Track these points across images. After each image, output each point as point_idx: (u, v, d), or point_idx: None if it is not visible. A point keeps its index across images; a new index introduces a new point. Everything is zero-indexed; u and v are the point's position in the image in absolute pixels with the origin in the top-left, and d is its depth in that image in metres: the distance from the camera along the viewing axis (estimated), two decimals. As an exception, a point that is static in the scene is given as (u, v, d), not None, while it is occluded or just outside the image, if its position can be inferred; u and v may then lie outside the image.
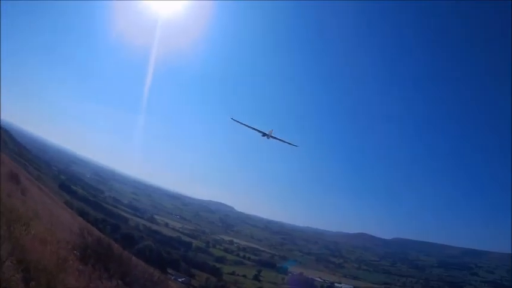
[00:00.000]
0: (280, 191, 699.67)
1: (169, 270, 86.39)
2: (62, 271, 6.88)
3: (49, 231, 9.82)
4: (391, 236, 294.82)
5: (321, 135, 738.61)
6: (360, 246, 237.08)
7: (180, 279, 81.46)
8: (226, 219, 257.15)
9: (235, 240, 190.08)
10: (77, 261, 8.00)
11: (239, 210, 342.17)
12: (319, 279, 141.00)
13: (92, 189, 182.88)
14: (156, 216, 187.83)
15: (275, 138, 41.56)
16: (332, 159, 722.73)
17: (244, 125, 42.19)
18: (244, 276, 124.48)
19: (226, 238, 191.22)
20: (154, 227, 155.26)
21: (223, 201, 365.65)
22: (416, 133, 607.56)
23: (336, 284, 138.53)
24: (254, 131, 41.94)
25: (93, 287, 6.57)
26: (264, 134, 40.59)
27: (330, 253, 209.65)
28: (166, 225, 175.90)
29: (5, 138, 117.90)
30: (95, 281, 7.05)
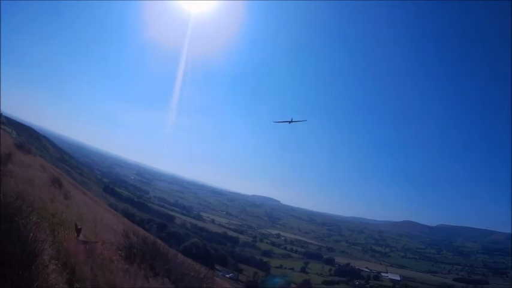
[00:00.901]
0: (325, 182, 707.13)
1: (217, 266, 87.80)
2: (107, 272, 6.98)
3: (93, 234, 10.07)
4: (436, 222, 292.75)
5: (362, 126, 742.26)
6: (406, 234, 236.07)
7: (227, 275, 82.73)
8: (273, 213, 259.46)
9: (282, 233, 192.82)
10: (122, 261, 8.13)
11: (285, 204, 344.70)
12: (366, 270, 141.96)
13: (136, 190, 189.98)
14: (202, 213, 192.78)
15: (295, 121, 48.71)
16: (375, 149, 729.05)
17: (282, 122, 49.06)
18: (292, 269, 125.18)
19: (273, 232, 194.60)
20: (201, 224, 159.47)
21: (269, 195, 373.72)
22: (460, 118, 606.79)
23: (382, 274, 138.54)
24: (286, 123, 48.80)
25: (139, 287, 6.57)
26: (291, 121, 47.07)
27: (376, 242, 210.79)
28: (213, 221, 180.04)
29: (46, 145, 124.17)
30: (141, 279, 7.11)
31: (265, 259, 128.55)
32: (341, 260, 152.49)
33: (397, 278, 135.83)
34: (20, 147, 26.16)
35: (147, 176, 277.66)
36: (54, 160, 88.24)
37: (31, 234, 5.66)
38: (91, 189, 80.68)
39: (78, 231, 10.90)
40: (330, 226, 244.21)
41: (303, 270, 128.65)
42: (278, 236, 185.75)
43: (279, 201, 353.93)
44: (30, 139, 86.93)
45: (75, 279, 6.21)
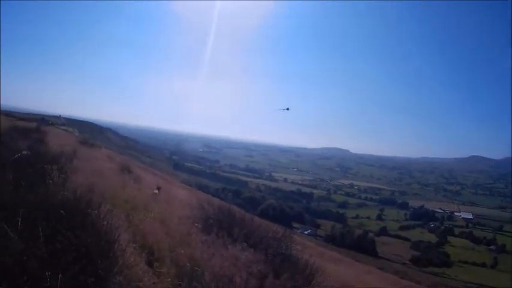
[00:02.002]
0: (391, 124, 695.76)
1: (295, 225, 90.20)
2: (185, 246, 7.25)
3: (168, 211, 10.47)
4: (502, 156, 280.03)
5: (423, 61, 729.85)
6: (474, 170, 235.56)
7: (306, 232, 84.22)
8: (343, 163, 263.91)
9: (354, 182, 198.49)
10: (199, 234, 8.40)
11: (354, 152, 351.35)
12: (440, 210, 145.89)
13: (206, 162, 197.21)
14: (274, 174, 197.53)
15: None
16: (438, 84, 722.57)
17: (281, 109, 51.10)
18: (368, 217, 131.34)
19: (346, 182, 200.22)
20: (274, 184, 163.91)
21: (337, 146, 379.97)
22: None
23: (455, 213, 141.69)
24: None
25: (219, 255, 6.77)
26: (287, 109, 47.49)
27: (447, 181, 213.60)
28: (285, 180, 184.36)
29: (110, 136, 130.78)
30: (220, 248, 7.32)
31: (341, 211, 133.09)
32: (415, 203, 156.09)
33: (470, 216, 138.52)
34: (83, 143, 27.71)
35: (215, 146, 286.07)
36: (120, 149, 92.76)
37: (105, 222, 5.93)
38: (162, 169, 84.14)
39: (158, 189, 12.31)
40: (400, 169, 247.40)
41: (379, 217, 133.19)
42: (351, 185, 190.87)
43: (348, 151, 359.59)
44: (93, 134, 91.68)
45: (154, 259, 6.50)
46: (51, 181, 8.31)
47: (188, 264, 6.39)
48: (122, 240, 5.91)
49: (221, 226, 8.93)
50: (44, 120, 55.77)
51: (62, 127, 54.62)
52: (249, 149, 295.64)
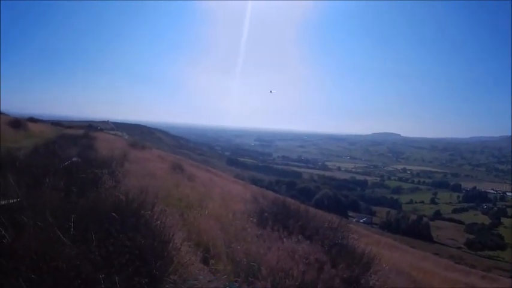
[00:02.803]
0: (439, 105, 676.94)
1: (350, 213, 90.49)
2: (241, 241, 7.24)
3: (223, 207, 10.55)
4: None
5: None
6: None
7: (361, 220, 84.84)
8: (395, 148, 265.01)
9: (407, 167, 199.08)
10: (254, 228, 8.37)
11: (405, 136, 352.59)
12: (492, 191, 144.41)
13: (259, 155, 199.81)
14: (327, 163, 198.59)
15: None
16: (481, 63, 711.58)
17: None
18: (422, 202, 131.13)
19: (399, 167, 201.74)
20: (328, 173, 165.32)
21: (388, 131, 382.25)
22: None
23: (507, 193, 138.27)
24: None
25: (275, 248, 6.71)
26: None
27: (498, 160, 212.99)
28: (339, 169, 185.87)
29: (161, 136, 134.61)
30: (276, 241, 7.24)
31: (395, 197, 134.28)
32: (467, 185, 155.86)
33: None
34: (134, 145, 28.47)
35: (266, 139, 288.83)
36: (172, 148, 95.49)
37: (158, 222, 6.01)
38: (215, 165, 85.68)
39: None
40: (451, 151, 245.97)
41: (433, 201, 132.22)
42: (404, 170, 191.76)
43: (399, 135, 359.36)
44: (143, 136, 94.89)
45: (210, 256, 6.52)
46: (102, 185, 8.58)
47: (244, 260, 6.37)
48: (176, 239, 5.95)
49: (276, 219, 8.84)
50: (92, 127, 58.03)
51: (111, 132, 56.62)
52: (301, 139, 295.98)
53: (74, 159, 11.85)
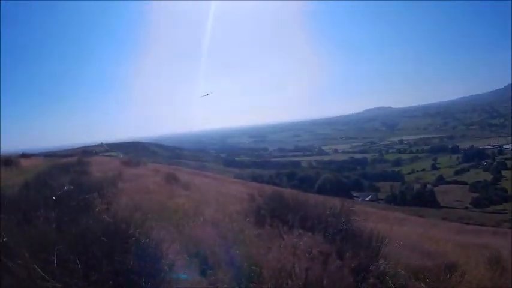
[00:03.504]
0: (425, 70, 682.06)
1: (354, 194, 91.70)
2: (240, 245, 7.00)
3: (219, 212, 10.32)
4: None
5: None
6: None
7: (366, 198, 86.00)
8: (388, 121, 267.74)
9: (403, 138, 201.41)
10: (252, 228, 8.14)
11: (397, 107, 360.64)
12: (489, 147, 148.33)
13: (255, 151, 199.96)
14: (323, 147, 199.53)
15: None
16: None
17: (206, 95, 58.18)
18: (423, 170, 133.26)
19: (395, 139, 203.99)
20: (326, 157, 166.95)
21: (379, 105, 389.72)
22: None
23: (504, 147, 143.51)
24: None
25: (276, 247, 6.46)
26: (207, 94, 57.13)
27: (489, 116, 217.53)
28: (336, 151, 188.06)
29: (155, 150, 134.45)
30: (276, 239, 6.98)
31: (396, 169, 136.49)
32: (464, 145, 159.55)
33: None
34: (127, 164, 28.19)
35: (260, 134, 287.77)
36: (168, 159, 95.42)
37: (147, 240, 5.79)
38: (212, 169, 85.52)
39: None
40: (444, 114, 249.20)
41: (434, 167, 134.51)
42: (401, 142, 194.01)
43: (390, 107, 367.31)
44: (138, 152, 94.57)
45: (209, 266, 6.28)
46: (93, 210, 8.35)
47: (245, 264, 6.11)
48: (170, 254, 5.74)
49: (274, 215, 8.57)
50: (87, 152, 57.75)
51: (106, 154, 56.44)
52: (294, 129, 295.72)
53: (66, 187, 11.58)
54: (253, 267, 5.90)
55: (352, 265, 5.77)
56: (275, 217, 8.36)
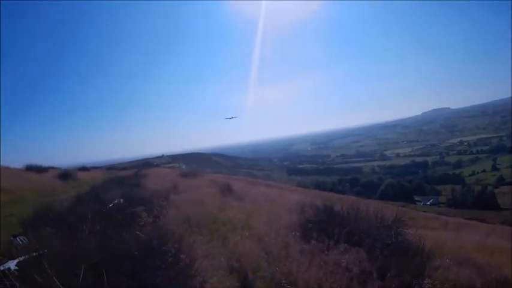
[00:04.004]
0: (481, 68, 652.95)
1: (416, 197, 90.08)
2: (282, 260, 6.76)
3: (267, 224, 10.11)
4: None
5: None
6: None
7: (428, 202, 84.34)
8: (447, 122, 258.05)
9: (463, 139, 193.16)
10: (298, 243, 7.85)
11: (455, 108, 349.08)
12: None
13: (318, 158, 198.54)
14: (385, 152, 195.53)
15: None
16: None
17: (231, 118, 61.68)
18: (484, 171, 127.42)
19: (455, 140, 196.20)
20: (388, 162, 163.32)
21: (437, 107, 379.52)
22: None
23: None
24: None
25: (317, 264, 6.16)
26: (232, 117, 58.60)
27: None
28: (398, 155, 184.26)
29: (217, 160, 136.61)
30: (319, 255, 6.67)
31: (457, 171, 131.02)
32: None
33: None
34: (185, 175, 28.76)
35: (322, 141, 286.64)
36: (230, 169, 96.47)
37: (182, 256, 5.75)
38: (276, 178, 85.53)
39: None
40: (501, 113, 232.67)
41: (494, 168, 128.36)
42: (461, 143, 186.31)
43: (448, 108, 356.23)
44: (200, 162, 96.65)
45: (248, 283, 6.09)
46: (139, 223, 8.42)
47: (283, 282, 5.86)
48: (206, 270, 5.64)
49: (320, 228, 8.22)
50: (148, 164, 59.59)
51: (168, 165, 57.96)
52: (354, 134, 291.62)
53: (116, 201, 11.87)
54: (289, 286, 5.65)
55: (393, 286, 5.33)
56: (321, 231, 8.02)
